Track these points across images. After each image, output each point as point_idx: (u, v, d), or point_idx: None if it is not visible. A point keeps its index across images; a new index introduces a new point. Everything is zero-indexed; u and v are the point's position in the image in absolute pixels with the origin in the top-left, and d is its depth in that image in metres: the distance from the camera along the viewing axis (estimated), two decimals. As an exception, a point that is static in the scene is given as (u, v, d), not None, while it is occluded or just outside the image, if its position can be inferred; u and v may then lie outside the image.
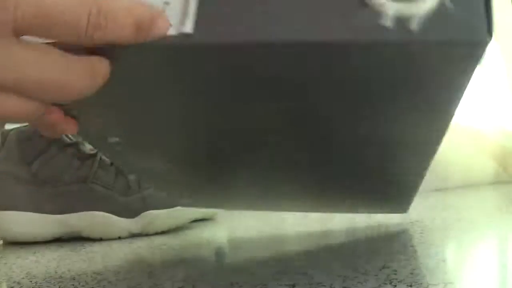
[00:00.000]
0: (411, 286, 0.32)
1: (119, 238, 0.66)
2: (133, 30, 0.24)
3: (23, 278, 0.45)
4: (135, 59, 0.26)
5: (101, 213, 0.66)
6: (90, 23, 0.23)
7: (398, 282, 0.33)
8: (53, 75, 0.23)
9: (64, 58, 0.24)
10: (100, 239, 0.66)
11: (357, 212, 0.49)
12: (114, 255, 0.54)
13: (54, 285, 0.41)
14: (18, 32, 0.22)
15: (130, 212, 0.67)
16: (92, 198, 0.66)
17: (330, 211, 0.48)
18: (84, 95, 0.25)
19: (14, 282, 0.43)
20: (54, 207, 0.66)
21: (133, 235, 0.67)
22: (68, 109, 0.30)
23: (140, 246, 0.58)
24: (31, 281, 0.43)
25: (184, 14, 0.25)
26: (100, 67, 0.25)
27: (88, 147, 0.69)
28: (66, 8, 0.22)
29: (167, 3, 0.25)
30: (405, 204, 0.50)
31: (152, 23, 0.24)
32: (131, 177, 0.69)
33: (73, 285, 0.40)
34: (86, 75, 0.24)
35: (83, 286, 0.40)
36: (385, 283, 0.33)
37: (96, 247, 0.60)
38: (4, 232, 0.66)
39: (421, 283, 0.32)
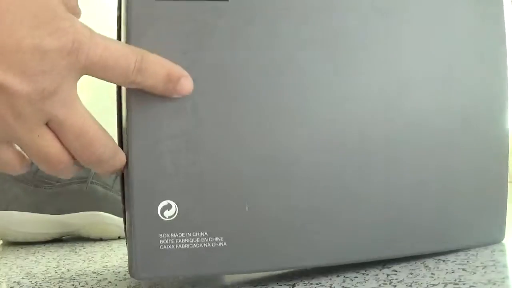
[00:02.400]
0: (411, 286, 0.32)
1: (119, 238, 0.66)
2: (164, 79, 0.30)
3: (22, 278, 0.45)
4: None
5: (101, 213, 0.66)
6: (136, 68, 0.29)
7: (398, 282, 0.33)
8: (92, 131, 0.29)
9: (102, 128, 0.30)
10: (100, 239, 0.66)
11: (446, 249, 0.40)
12: (114, 255, 0.53)
13: (54, 285, 0.41)
14: (81, 73, 0.28)
15: (130, 212, 0.67)
16: (92, 198, 0.66)
17: (415, 252, 0.38)
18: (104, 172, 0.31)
19: (14, 282, 0.43)
20: (54, 207, 0.66)
21: (133, 235, 0.67)
22: None
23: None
24: (30, 281, 0.43)
25: None
26: (122, 152, 0.31)
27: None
28: (121, 55, 0.28)
29: None
30: (499, 231, 0.42)
31: (179, 79, 0.30)
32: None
33: (72, 285, 0.40)
34: (112, 150, 0.31)
35: (82, 286, 0.40)
36: (385, 283, 0.33)
37: (96, 247, 0.60)
38: (4, 232, 0.66)
39: (421, 283, 0.32)
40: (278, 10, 0.34)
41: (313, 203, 0.34)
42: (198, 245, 0.32)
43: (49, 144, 0.28)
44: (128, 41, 0.31)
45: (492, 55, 0.40)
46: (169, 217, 0.31)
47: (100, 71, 0.28)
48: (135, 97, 0.31)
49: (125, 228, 0.34)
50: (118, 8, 0.34)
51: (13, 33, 0.25)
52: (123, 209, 0.34)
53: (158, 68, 0.30)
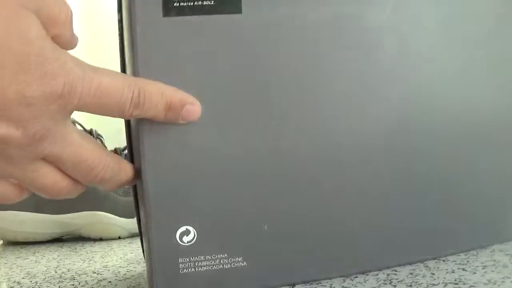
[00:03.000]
0: (411, 286, 0.32)
1: (119, 238, 0.66)
2: (165, 109, 0.28)
3: (23, 278, 0.45)
4: None
5: (101, 213, 0.66)
6: (133, 103, 0.27)
7: (398, 282, 0.33)
8: (90, 157, 0.28)
9: (101, 149, 0.29)
10: (100, 239, 0.66)
11: (471, 249, 0.40)
12: (114, 255, 0.53)
13: (54, 285, 0.41)
14: (73, 111, 0.27)
15: (130, 212, 0.67)
16: (92, 198, 0.66)
17: (439, 255, 0.38)
18: (106, 185, 0.30)
19: (14, 282, 0.43)
20: (54, 207, 0.66)
21: (133, 235, 0.67)
22: None
23: (140, 246, 0.58)
24: (30, 281, 0.43)
25: None
26: (126, 166, 0.30)
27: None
28: (116, 91, 0.27)
29: None
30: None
31: (182, 107, 0.29)
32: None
33: (72, 285, 0.40)
34: (115, 167, 0.29)
35: (82, 286, 0.40)
36: (385, 283, 0.33)
37: (96, 247, 0.60)
38: (4, 232, 0.66)
39: (421, 283, 0.32)
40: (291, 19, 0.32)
41: (328, 213, 0.34)
42: (218, 267, 0.32)
43: (45, 175, 0.27)
44: (135, 66, 0.29)
45: None
46: (188, 242, 0.31)
47: (94, 109, 0.27)
48: (147, 128, 0.30)
49: (142, 248, 0.35)
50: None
51: None
52: (139, 231, 0.34)
53: (158, 99, 0.28)
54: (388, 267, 0.36)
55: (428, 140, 0.36)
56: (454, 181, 0.37)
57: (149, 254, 0.31)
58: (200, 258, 0.32)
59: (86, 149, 0.28)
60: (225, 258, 0.32)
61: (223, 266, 0.32)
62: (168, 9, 0.29)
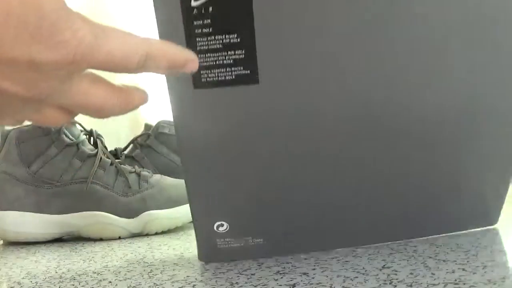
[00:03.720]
0: (411, 286, 0.32)
1: (119, 238, 0.66)
2: (168, 68, 0.31)
3: (23, 278, 0.45)
4: None
5: (101, 213, 0.66)
6: (138, 65, 0.29)
7: (398, 282, 0.33)
8: (98, 101, 0.29)
9: (110, 88, 0.30)
10: (100, 239, 0.66)
11: (443, 233, 0.47)
12: (114, 255, 0.54)
13: (54, 285, 0.41)
14: (82, 72, 0.28)
15: (130, 212, 0.67)
16: (92, 198, 0.66)
17: (413, 236, 0.46)
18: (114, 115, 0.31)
19: (14, 282, 0.43)
20: (54, 207, 0.66)
21: (133, 235, 0.67)
22: None
23: (140, 246, 0.58)
24: (31, 281, 0.43)
25: None
26: (135, 96, 0.32)
27: (88, 147, 0.70)
28: (125, 56, 0.28)
29: None
30: (494, 215, 0.48)
31: (185, 64, 0.31)
32: (131, 177, 0.69)
33: (73, 285, 0.40)
34: (123, 103, 0.31)
35: (83, 286, 0.40)
36: (385, 283, 0.33)
37: (96, 247, 0.60)
38: (4, 232, 0.66)
39: (421, 283, 0.32)
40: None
41: (324, 199, 0.43)
42: (244, 244, 0.44)
43: (49, 115, 0.29)
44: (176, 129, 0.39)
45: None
46: (222, 230, 0.43)
47: (100, 69, 0.29)
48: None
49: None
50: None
51: (10, 50, 0.25)
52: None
53: (161, 61, 0.30)
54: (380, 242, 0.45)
55: (410, 128, 0.41)
56: (435, 166, 0.43)
57: (196, 235, 0.44)
58: (231, 239, 0.44)
59: (92, 95, 0.29)
60: (249, 239, 0.44)
61: (248, 244, 0.44)
62: (198, 83, 0.37)
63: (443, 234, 0.47)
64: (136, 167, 0.72)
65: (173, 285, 0.37)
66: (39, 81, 0.26)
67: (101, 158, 0.68)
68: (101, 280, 0.41)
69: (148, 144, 0.82)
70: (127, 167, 0.70)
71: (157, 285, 0.38)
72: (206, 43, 0.36)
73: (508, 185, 0.46)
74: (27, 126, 0.69)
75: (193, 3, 0.34)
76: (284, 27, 0.36)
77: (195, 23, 0.35)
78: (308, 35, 0.36)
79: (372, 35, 0.37)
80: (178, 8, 0.34)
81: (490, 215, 0.48)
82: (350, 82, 0.38)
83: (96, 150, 0.69)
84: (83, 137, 0.70)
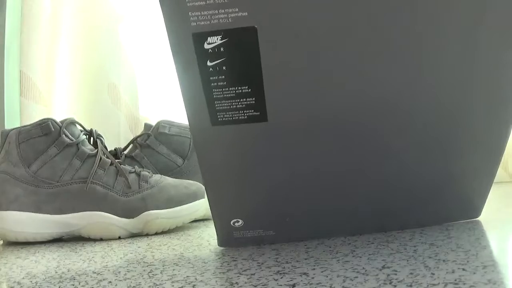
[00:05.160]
0: (411, 286, 0.32)
1: (119, 238, 0.66)
2: None
3: (23, 278, 0.45)
4: None
5: (101, 213, 0.66)
6: None
7: (398, 282, 0.33)
8: None
9: None
10: (100, 239, 0.66)
11: (427, 225, 0.51)
12: (114, 255, 0.54)
13: (54, 285, 0.41)
14: None
15: (130, 212, 0.67)
16: (92, 198, 0.66)
17: (399, 228, 0.51)
18: None
19: (14, 282, 0.43)
20: (54, 207, 0.66)
21: (133, 235, 0.67)
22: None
23: (140, 246, 0.58)
24: (31, 281, 0.43)
25: None
26: None
27: (88, 147, 0.70)
28: None
29: None
30: (478, 208, 0.52)
31: None
32: (131, 177, 0.69)
33: (73, 285, 0.40)
34: None
35: (83, 286, 0.40)
36: (385, 283, 0.33)
37: (96, 247, 0.60)
38: (4, 232, 0.66)
39: (421, 283, 0.32)
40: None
41: (331, 194, 0.48)
42: (257, 235, 0.50)
43: None
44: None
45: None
46: (238, 225, 0.49)
47: None
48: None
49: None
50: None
51: None
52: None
53: None
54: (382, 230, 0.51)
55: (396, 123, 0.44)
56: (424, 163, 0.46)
57: (215, 227, 0.50)
58: (246, 231, 0.50)
59: None
60: (262, 231, 0.50)
61: (260, 235, 0.50)
62: (215, 121, 0.42)
63: (429, 226, 0.51)
64: (136, 167, 0.72)
65: (173, 285, 0.37)
66: None
67: (101, 158, 0.68)
68: (101, 280, 0.41)
69: (148, 144, 0.82)
70: (127, 167, 0.70)
71: (157, 285, 0.38)
72: (221, 92, 0.41)
73: (493, 178, 0.49)
74: (27, 126, 0.69)
75: (209, 63, 0.39)
76: (288, 78, 0.40)
77: (211, 78, 0.40)
78: (309, 84, 0.41)
79: (366, 65, 0.40)
80: (196, 66, 0.39)
81: (475, 208, 0.52)
82: (343, 91, 0.41)
83: (96, 150, 0.69)
84: (83, 137, 0.70)
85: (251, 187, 0.47)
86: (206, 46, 0.39)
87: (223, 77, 0.40)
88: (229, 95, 0.41)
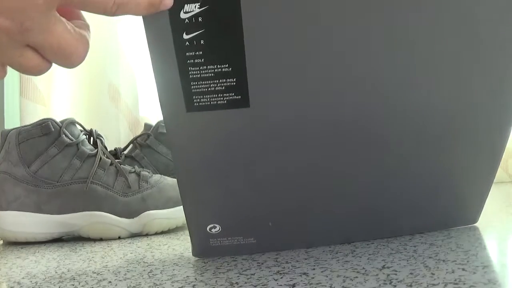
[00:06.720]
0: (411, 286, 0.32)
1: (119, 238, 0.66)
2: (147, 8, 0.33)
3: (23, 278, 0.45)
4: None
5: (101, 213, 0.66)
6: (115, 3, 0.31)
7: (398, 282, 0.33)
8: (68, 48, 0.32)
9: (81, 38, 0.33)
10: (100, 239, 0.66)
11: (425, 231, 0.49)
12: (114, 255, 0.53)
13: (54, 285, 0.41)
14: (60, 3, 0.30)
15: (130, 212, 0.67)
16: (92, 198, 0.66)
17: (397, 234, 0.48)
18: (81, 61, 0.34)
19: (14, 282, 0.43)
20: (53, 207, 0.66)
21: (133, 235, 0.67)
22: None
23: (140, 246, 0.58)
24: (30, 281, 0.43)
25: None
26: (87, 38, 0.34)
27: (88, 147, 0.69)
28: None
29: None
30: (476, 214, 0.50)
31: (161, 2, 0.33)
32: (131, 177, 0.69)
33: (73, 285, 0.40)
34: (86, 45, 0.33)
35: (83, 286, 0.40)
36: (385, 283, 0.33)
37: (96, 247, 0.60)
38: (4, 232, 0.66)
39: (421, 283, 0.32)
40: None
41: (316, 200, 0.44)
42: (236, 243, 0.45)
43: (30, 59, 0.32)
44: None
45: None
46: (215, 231, 0.45)
47: (79, 6, 0.31)
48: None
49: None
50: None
51: None
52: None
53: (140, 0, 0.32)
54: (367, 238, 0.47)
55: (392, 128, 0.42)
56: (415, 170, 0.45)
57: (190, 234, 0.45)
58: (223, 239, 0.45)
59: (65, 39, 0.32)
60: (241, 239, 0.45)
61: (239, 243, 0.45)
62: (191, 107, 0.38)
63: (427, 232, 0.48)
64: (136, 167, 0.72)
65: (173, 285, 0.37)
66: (24, 11, 0.29)
67: (101, 158, 0.68)
68: (101, 280, 0.41)
69: (148, 144, 0.82)
70: (127, 167, 0.70)
71: (157, 285, 0.38)
72: (198, 72, 0.37)
73: (491, 183, 0.47)
74: (27, 126, 0.69)
75: (185, 36, 0.35)
76: (273, 57, 0.37)
77: (187, 54, 0.36)
78: (296, 63, 0.37)
79: (359, 57, 0.38)
80: (171, 40, 0.35)
81: (472, 214, 0.50)
82: (336, 89, 0.39)
83: (96, 150, 0.69)
84: (83, 137, 0.70)
85: (230, 186, 0.43)
86: (182, 15, 0.35)
87: (201, 53, 0.36)
88: (207, 74, 0.37)
